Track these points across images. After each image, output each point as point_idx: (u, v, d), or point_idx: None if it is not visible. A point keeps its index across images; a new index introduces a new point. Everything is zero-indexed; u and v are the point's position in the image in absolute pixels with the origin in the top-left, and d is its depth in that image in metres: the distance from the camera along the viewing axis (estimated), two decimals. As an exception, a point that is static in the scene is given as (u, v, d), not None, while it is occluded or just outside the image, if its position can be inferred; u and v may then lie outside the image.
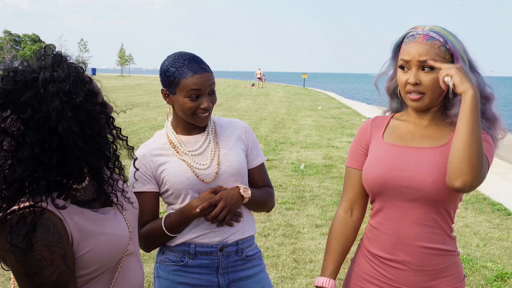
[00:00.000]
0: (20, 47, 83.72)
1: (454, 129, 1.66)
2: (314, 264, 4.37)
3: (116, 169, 1.46)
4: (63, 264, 1.24)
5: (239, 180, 1.95)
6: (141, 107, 18.77)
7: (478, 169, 1.50)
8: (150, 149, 1.93)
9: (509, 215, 5.94)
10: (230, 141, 1.98)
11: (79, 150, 1.25)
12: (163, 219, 1.89)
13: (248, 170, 2.02)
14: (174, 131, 1.96)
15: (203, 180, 1.89)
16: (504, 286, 4.06)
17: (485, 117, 1.68)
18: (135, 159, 1.81)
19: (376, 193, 1.71)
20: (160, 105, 19.80)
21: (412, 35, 1.65)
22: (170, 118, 2.01)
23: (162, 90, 1.92)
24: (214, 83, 1.88)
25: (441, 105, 1.70)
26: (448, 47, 1.61)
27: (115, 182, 1.45)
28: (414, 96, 1.64)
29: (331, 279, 1.77)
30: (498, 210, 6.08)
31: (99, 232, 1.35)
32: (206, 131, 1.97)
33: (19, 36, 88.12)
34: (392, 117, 1.82)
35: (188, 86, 1.82)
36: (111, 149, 1.41)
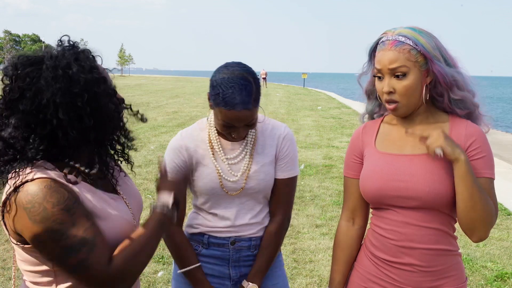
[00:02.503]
0: (20, 47, 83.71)
1: (449, 128, 1.66)
2: (314, 264, 4.37)
3: (120, 159, 1.52)
4: (86, 221, 1.25)
5: (263, 193, 1.95)
6: (141, 107, 18.61)
7: (489, 220, 1.57)
8: (190, 142, 1.91)
9: (509, 215, 5.94)
10: (265, 155, 1.93)
11: (57, 120, 1.26)
12: (190, 268, 1.92)
13: (275, 179, 1.96)
14: (215, 132, 1.92)
15: (227, 192, 1.90)
16: (504, 286, 4.06)
17: (472, 116, 1.69)
18: (169, 149, 1.92)
19: (375, 203, 1.71)
20: (160, 105, 19.79)
21: (382, 41, 1.63)
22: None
23: (208, 93, 1.84)
24: (253, 118, 1.77)
25: (428, 103, 1.68)
26: (419, 49, 1.58)
27: (113, 170, 1.49)
28: (390, 106, 1.64)
29: None
30: (498, 210, 6.08)
31: (109, 212, 1.37)
32: (245, 141, 1.93)
33: (19, 36, 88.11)
34: (382, 121, 1.81)
35: (222, 116, 1.75)
36: (115, 137, 1.45)
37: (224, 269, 1.96)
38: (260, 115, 1.94)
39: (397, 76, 1.59)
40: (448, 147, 1.51)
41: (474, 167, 1.58)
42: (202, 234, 1.96)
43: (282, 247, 4.72)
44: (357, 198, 1.80)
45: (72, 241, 1.22)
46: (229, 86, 1.71)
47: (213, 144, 1.90)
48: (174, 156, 1.90)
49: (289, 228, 5.67)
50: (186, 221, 2.06)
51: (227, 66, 1.79)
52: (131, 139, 1.50)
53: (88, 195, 1.33)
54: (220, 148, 1.91)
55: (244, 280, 1.94)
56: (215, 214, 1.94)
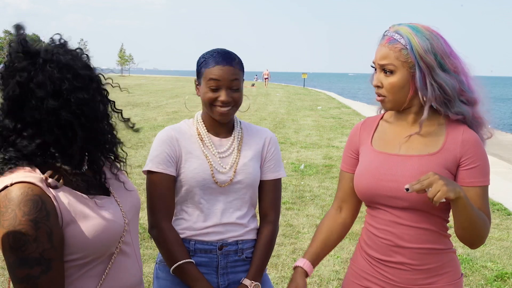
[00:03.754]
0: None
1: (446, 131, 1.64)
2: (314, 264, 4.37)
3: (112, 157, 1.51)
4: (48, 241, 1.25)
5: (250, 191, 1.96)
6: (141, 107, 18.76)
7: (485, 234, 1.61)
8: (180, 134, 1.94)
9: (509, 215, 5.94)
10: (252, 151, 1.98)
11: (36, 99, 1.29)
12: (179, 263, 1.84)
13: (261, 181, 2.00)
14: (204, 127, 1.96)
15: (217, 183, 1.89)
16: (504, 286, 4.06)
17: (472, 121, 1.65)
18: (158, 138, 1.92)
19: (367, 201, 1.73)
20: (160, 105, 19.80)
21: (383, 35, 1.65)
22: (200, 112, 2.01)
23: (194, 80, 1.98)
24: (237, 79, 1.86)
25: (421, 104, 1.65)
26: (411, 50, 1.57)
27: (101, 167, 1.47)
28: (378, 98, 1.67)
29: (306, 260, 1.82)
30: (498, 210, 6.08)
31: (91, 215, 1.35)
32: (232, 136, 1.98)
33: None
34: (381, 117, 1.81)
35: (208, 76, 1.85)
36: (107, 134, 1.45)
37: (212, 277, 1.90)
38: (243, 121, 2.04)
39: (385, 72, 1.62)
40: (451, 193, 1.46)
41: (467, 177, 1.60)
42: (188, 240, 1.90)
43: (282, 247, 4.74)
44: (347, 190, 1.84)
45: (28, 255, 1.22)
46: (212, 51, 1.89)
47: (203, 138, 1.94)
48: (165, 147, 1.90)
49: (289, 228, 5.66)
50: None
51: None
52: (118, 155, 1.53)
53: (66, 199, 1.32)
54: (211, 142, 1.94)
55: (246, 279, 1.90)
56: (201, 211, 1.90)
